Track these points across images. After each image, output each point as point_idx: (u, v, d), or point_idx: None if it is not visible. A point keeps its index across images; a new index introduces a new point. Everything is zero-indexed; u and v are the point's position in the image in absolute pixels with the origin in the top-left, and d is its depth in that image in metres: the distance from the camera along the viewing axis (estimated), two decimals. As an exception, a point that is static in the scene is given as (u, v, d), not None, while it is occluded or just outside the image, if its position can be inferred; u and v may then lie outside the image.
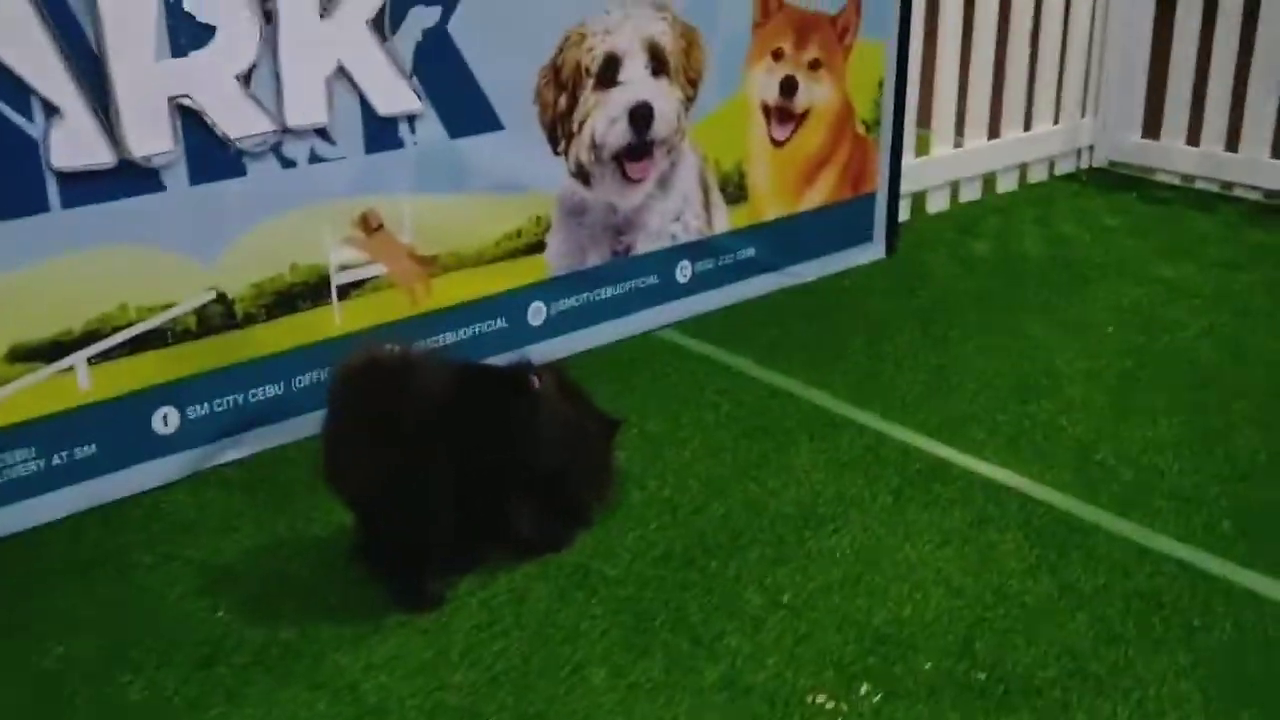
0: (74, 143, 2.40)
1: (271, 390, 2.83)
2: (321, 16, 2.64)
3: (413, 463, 2.14)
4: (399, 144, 2.86)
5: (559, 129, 3.13)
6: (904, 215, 4.33)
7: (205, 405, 2.74)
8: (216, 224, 2.64)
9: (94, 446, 2.60)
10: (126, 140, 2.46)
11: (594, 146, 3.18)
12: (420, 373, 2.21)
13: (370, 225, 2.87)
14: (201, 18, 2.49)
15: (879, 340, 3.44)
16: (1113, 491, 2.64)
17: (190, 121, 2.54)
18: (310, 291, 2.82)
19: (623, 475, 2.65)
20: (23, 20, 2.28)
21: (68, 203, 2.43)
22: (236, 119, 2.59)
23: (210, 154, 2.58)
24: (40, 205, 2.39)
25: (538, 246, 3.18)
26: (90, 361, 2.54)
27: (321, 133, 2.73)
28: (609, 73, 3.15)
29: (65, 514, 2.57)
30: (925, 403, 3.05)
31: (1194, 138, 4.72)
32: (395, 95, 2.80)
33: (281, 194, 2.71)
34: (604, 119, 3.17)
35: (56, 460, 2.55)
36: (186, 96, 2.51)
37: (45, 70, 2.33)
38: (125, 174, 2.47)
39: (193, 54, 2.50)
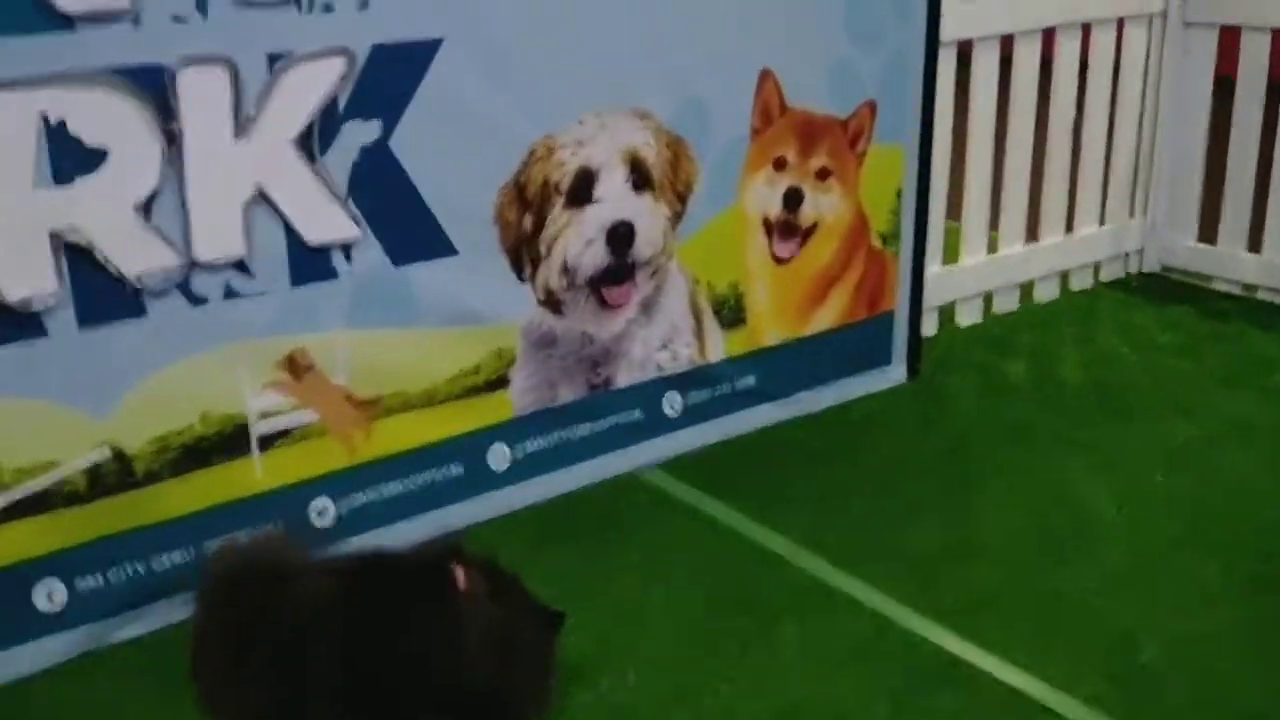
0: (-69, 286, 2.08)
1: (179, 556, 2.47)
2: (236, 137, 2.31)
3: (292, 691, 1.76)
4: (331, 274, 2.51)
5: (524, 253, 2.78)
6: (931, 328, 3.93)
7: (98, 576, 2.38)
8: (111, 371, 2.30)
9: (-34, 619, 2.26)
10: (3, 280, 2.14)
11: (566, 271, 2.82)
12: (304, 573, 1.84)
13: (298, 367, 2.52)
14: (90, 141, 2.17)
15: (891, 484, 3.03)
16: (1157, 712, 2.19)
17: (78, 258, 2.21)
18: (225, 443, 2.47)
19: (570, 669, 2.25)
20: None
21: (-75, 351, 2.11)
22: (134, 254, 2.26)
23: (102, 294, 2.24)
24: (-109, 358, 2.07)
25: (500, 383, 2.82)
26: (-43, 531, 2.21)
27: (239, 266, 2.39)
28: (583, 189, 2.79)
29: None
30: (939, 571, 2.63)
31: (1255, 243, 4.28)
32: (327, 221, 2.47)
33: (189, 335, 2.37)
34: (578, 240, 2.81)
35: (-85, 645, 2.21)
36: (73, 230, 2.19)
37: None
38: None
39: (79, 181, 2.18)
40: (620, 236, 2.87)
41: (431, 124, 2.54)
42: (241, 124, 2.31)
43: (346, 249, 2.52)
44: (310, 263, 2.47)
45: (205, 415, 2.43)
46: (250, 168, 2.35)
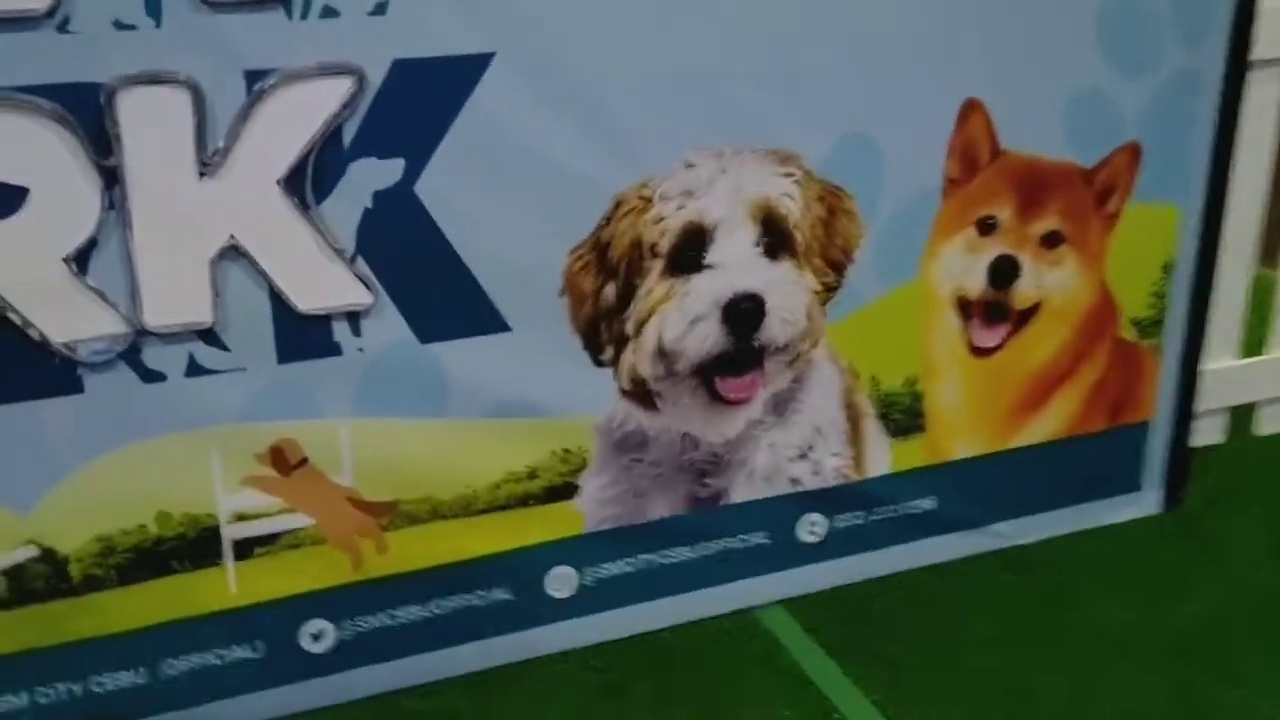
0: None
1: (128, 678, 2.03)
2: (201, 175, 1.80)
3: None
4: (333, 350, 1.97)
5: (603, 331, 2.14)
6: (1215, 435, 2.98)
7: (22, 695, 1.98)
8: (36, 457, 1.86)
9: None
10: (-115, 344, 1.74)
11: (663, 355, 2.16)
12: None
13: (287, 461, 2.01)
14: (2, 176, 1.72)
15: (1089, 681, 2.19)
16: None
17: (-12, 320, 1.78)
18: (189, 548, 1.99)
19: None
20: None
21: None
22: (63, 317, 1.80)
23: (23, 364, 1.80)
24: None
25: (565, 491, 2.20)
26: None
27: (206, 335, 1.89)
28: (691, 252, 2.11)
29: None
30: None
31: None
32: (325, 283, 1.92)
33: (141, 418, 1.90)
34: (681, 317, 2.13)
35: None
36: (-20, 284, 1.76)
37: None
38: (-115, 390, 1.75)
39: (-8, 225, 1.74)
40: (743, 314, 2.17)
41: (475, 164, 1.94)
42: (208, 159, 1.80)
43: (353, 319, 1.97)
44: (303, 335, 1.95)
45: (162, 514, 1.96)
46: (220, 214, 1.84)
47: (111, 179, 1.76)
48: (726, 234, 2.13)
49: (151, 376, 1.88)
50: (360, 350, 1.99)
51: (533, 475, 2.17)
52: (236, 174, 1.82)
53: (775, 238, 2.17)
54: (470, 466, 2.12)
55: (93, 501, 1.91)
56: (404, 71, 1.86)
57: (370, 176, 1.90)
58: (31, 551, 1.90)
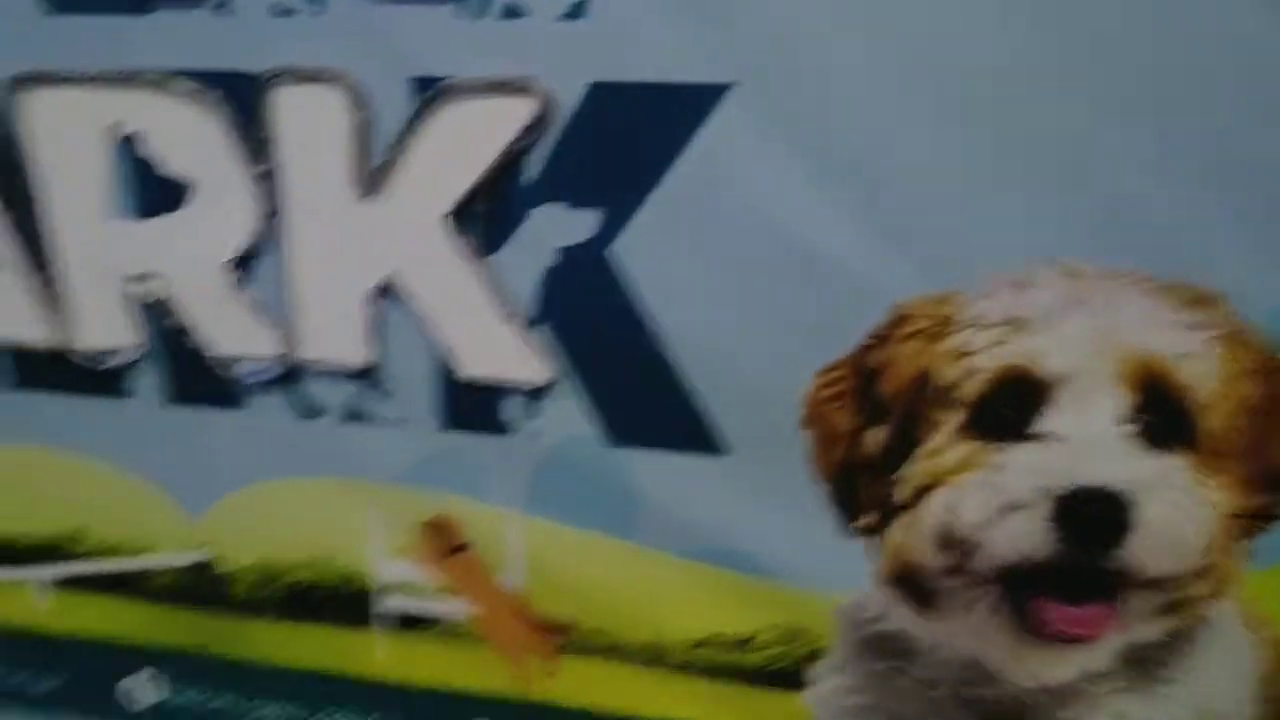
0: (11, 311, 1.70)
1: (278, 712, 1.87)
2: (360, 194, 1.50)
3: None
4: (501, 428, 1.58)
5: (861, 487, 1.49)
6: None
7: (195, 690, 1.90)
8: (208, 465, 1.73)
9: (61, 681, 1.96)
10: (72, 320, 1.68)
11: (952, 543, 1.44)
12: None
13: (446, 540, 1.68)
14: (170, 166, 1.56)
15: None
16: None
17: (160, 315, 1.65)
18: (342, 604, 1.76)
19: None
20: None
21: (18, 383, 1.75)
22: (224, 326, 1.63)
23: (191, 367, 1.66)
24: (-20, 374, 1.76)
25: (789, 678, 1.61)
26: (51, 585, 1.88)
27: (363, 378, 1.61)
28: (1013, 409, 1.36)
29: (21, 744, 2.00)
30: None
31: None
32: (495, 349, 1.53)
33: (298, 452, 1.68)
34: (986, 498, 1.40)
35: (16, 679, 1.97)
36: (151, 278, 1.63)
37: (-28, 207, 1.65)
38: (74, 366, 1.70)
39: (160, 219, 1.59)
40: (1089, 518, 1.38)
41: (693, 229, 1.41)
42: (369, 177, 1.49)
43: (528, 397, 1.56)
44: (468, 402, 1.58)
45: (318, 559, 1.75)
46: (379, 243, 1.52)
47: (268, 185, 1.52)
48: (1076, 395, 1.35)
49: (310, 411, 1.65)
50: (534, 436, 1.58)
51: (745, 645, 1.62)
52: (399, 199, 1.49)
53: (1163, 417, 1.33)
54: (663, 612, 1.63)
55: (254, 525, 1.75)
56: (604, 98, 1.38)
57: (555, 228, 1.46)
58: (201, 556, 1.79)
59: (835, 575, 1.54)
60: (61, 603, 1.88)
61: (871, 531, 1.50)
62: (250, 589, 1.79)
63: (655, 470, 1.54)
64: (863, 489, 1.50)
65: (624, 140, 1.40)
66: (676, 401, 1.50)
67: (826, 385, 1.46)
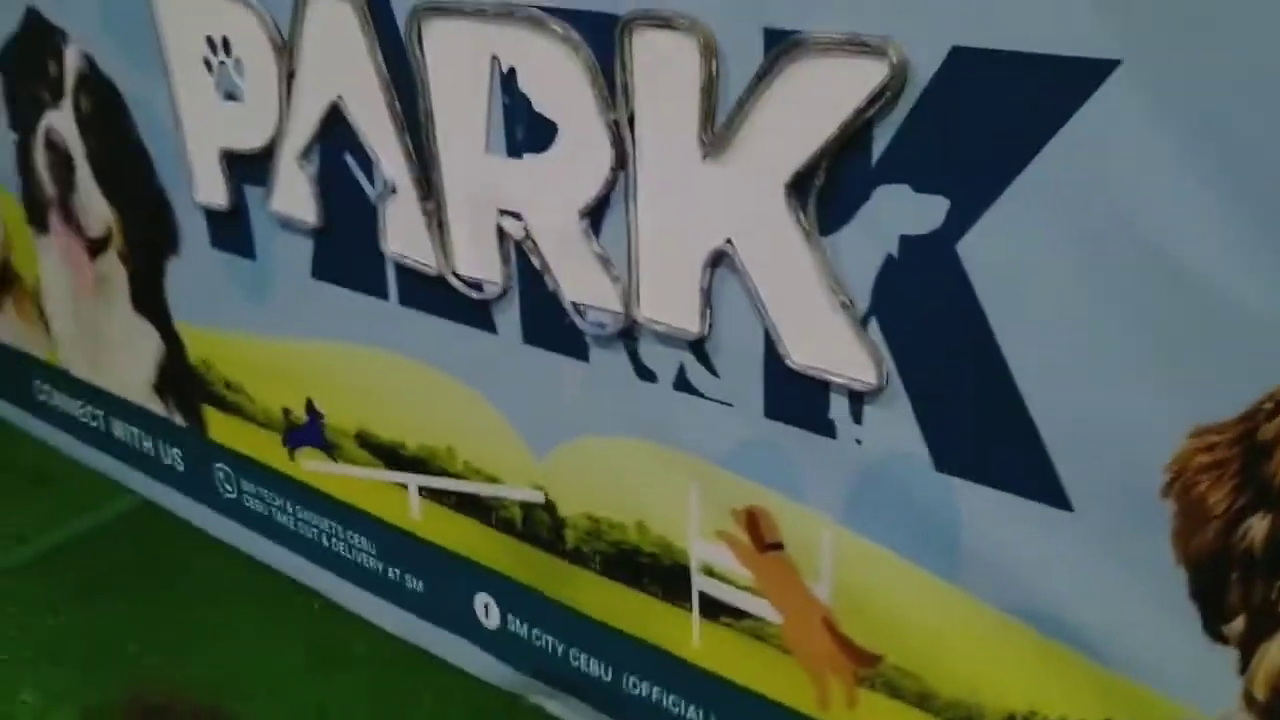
0: (404, 231, 1.77)
1: (596, 666, 1.84)
2: (704, 154, 1.38)
3: None
4: (825, 428, 1.42)
5: (1232, 584, 1.17)
6: None
7: (525, 626, 1.93)
8: (552, 409, 1.72)
9: (422, 584, 2.07)
10: (452, 247, 1.72)
11: (1353, 681, 1.12)
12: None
13: (760, 535, 1.54)
14: (539, 107, 1.53)
15: None
16: None
17: (522, 253, 1.64)
18: (662, 575, 1.69)
19: None
20: (363, 74, 1.69)
21: (404, 299, 1.84)
22: (575, 273, 1.59)
23: (546, 311, 1.65)
24: (379, 289, 1.86)
25: (1123, 784, 1.32)
26: (421, 493, 1.98)
27: (696, 349, 1.51)
28: None
29: (392, 630, 2.15)
30: None
31: None
32: (824, 339, 1.36)
33: (632, 412, 1.62)
34: None
35: (391, 573, 2.11)
36: (516, 215, 1.62)
37: (382, 133, 1.73)
38: (452, 292, 1.75)
39: (528, 157, 1.57)
40: None
41: (1058, 235, 1.16)
42: (713, 136, 1.37)
43: (855, 400, 1.38)
44: (793, 393, 1.43)
45: (642, 524, 1.68)
46: (718, 208, 1.40)
47: (618, 135, 1.45)
48: None
49: (645, 373, 1.58)
50: (858, 443, 1.40)
51: (1073, 733, 1.35)
52: (740, 162, 1.36)
53: None
54: (981, 671, 1.39)
55: (587, 476, 1.72)
56: (967, 66, 1.16)
57: (899, 212, 1.26)
58: (539, 497, 1.80)
59: (1189, 682, 1.25)
60: (429, 512, 1.98)
61: (1241, 644, 1.21)
62: (579, 539, 1.77)
63: (984, 509, 1.31)
64: (1235, 586, 1.20)
65: (985, 118, 1.17)
66: (1016, 435, 1.26)
67: (1202, 450, 1.17)
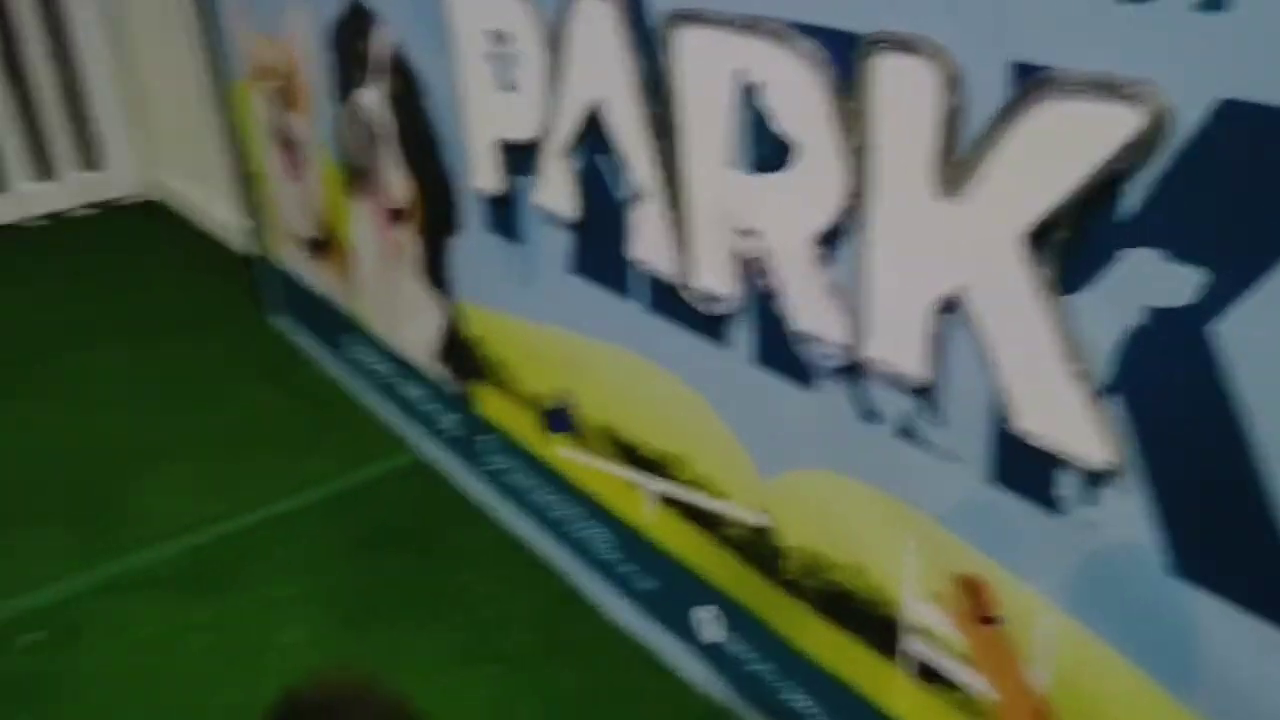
0: (649, 237, 1.74)
1: (804, 703, 1.76)
2: (941, 192, 1.26)
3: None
4: (1051, 503, 1.27)
5: None
6: None
7: (740, 646, 1.87)
8: (778, 432, 1.64)
9: (651, 584, 2.06)
10: (691, 258, 1.67)
11: None
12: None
13: (979, 604, 1.41)
14: (780, 124, 1.44)
15: None
16: None
17: (753, 271, 1.57)
18: (876, 625, 1.58)
19: None
20: (620, 76, 1.66)
21: (648, 304, 1.81)
22: (805, 300, 1.50)
23: (772, 331, 1.57)
24: (626, 290, 1.84)
25: None
26: (655, 496, 1.96)
27: (921, 397, 1.39)
28: None
29: (622, 623, 2.15)
30: None
31: None
32: (1055, 408, 1.21)
33: (854, 451, 1.51)
34: None
35: (625, 568, 2.11)
36: (751, 233, 1.55)
37: (633, 138, 1.70)
38: (690, 303, 1.70)
39: (766, 176, 1.49)
40: None
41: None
42: (950, 173, 1.24)
43: (1086, 478, 1.22)
44: (1020, 459, 1.28)
45: (860, 568, 1.58)
46: (951, 251, 1.27)
47: (855, 162, 1.35)
48: None
49: (868, 414, 1.47)
50: (1087, 527, 1.24)
51: None
52: (977, 204, 1.23)
53: None
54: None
55: (810, 508, 1.64)
56: (1237, 121, 0.99)
57: (1148, 280, 1.10)
58: (764, 520, 1.73)
59: None
60: (662, 516, 1.96)
61: None
62: (798, 571, 1.69)
63: (1227, 628, 1.14)
64: None
65: (1257, 180, 0.99)
66: (1269, 552, 1.07)
67: None
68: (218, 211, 3.88)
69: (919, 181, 1.27)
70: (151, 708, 2.05)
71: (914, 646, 1.53)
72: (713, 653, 1.95)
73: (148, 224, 4.28)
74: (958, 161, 1.23)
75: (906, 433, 1.43)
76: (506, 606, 2.24)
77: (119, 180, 4.45)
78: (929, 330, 1.33)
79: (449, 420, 2.57)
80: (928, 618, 1.50)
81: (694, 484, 1.85)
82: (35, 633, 2.23)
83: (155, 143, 4.40)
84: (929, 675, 1.53)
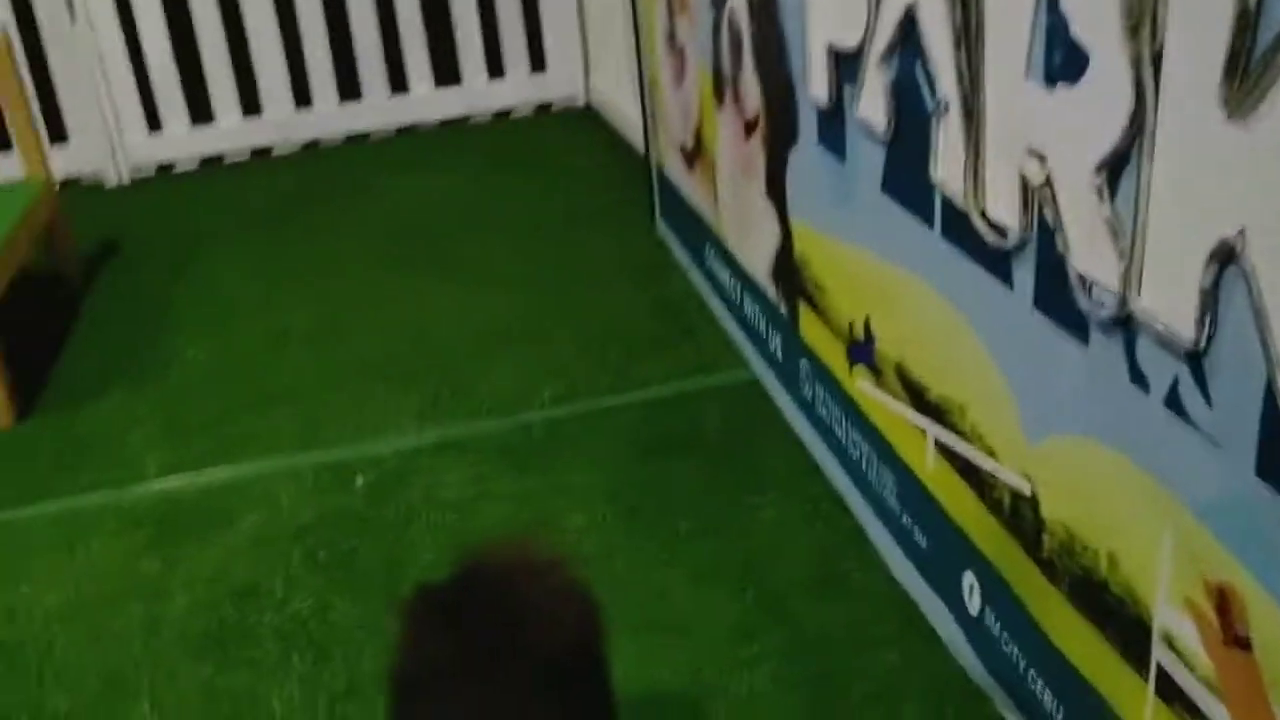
0: (948, 158, 1.57)
1: (1050, 702, 1.55)
2: (1228, 114, 1.02)
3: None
4: (1316, 513, 1.01)
5: None
6: None
7: (998, 625, 1.68)
8: (1048, 389, 1.44)
9: (926, 541, 1.90)
10: (984, 183, 1.49)
11: None
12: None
13: (1229, 622, 1.16)
14: (1076, 28, 1.23)
15: None
16: None
17: (1037, 204, 1.37)
18: (1124, 626, 1.36)
19: None
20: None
21: (945, 230, 1.64)
22: (1084, 237, 1.29)
23: (1056, 274, 1.36)
24: (926, 213, 1.68)
25: None
26: (935, 445, 1.80)
27: (1192, 362, 1.15)
28: None
29: (895, 574, 2.01)
30: None
31: None
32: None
33: (1118, 419, 1.29)
34: None
35: (905, 519, 1.96)
36: (1039, 157, 1.34)
37: (941, 45, 1.53)
38: (980, 235, 1.52)
39: (1060, 89, 1.29)
40: None
41: None
42: (1236, 88, 1.00)
43: (1363, 487, 0.96)
44: (1286, 454, 1.03)
45: (1114, 558, 1.36)
46: (1233, 184, 1.03)
47: (1139, 76, 1.13)
48: None
49: (1138, 377, 1.25)
50: (1355, 547, 0.98)
51: None
52: (1268, 131, 0.99)
53: None
54: None
55: (1072, 480, 1.43)
56: None
57: None
58: (1026, 487, 1.53)
59: None
60: (940, 468, 1.79)
61: None
62: (1054, 549, 1.49)
63: None
64: None
65: None
66: None
67: None
68: (638, 119, 4.00)
69: (1206, 99, 1.04)
70: (440, 561, 2.17)
71: (1161, 659, 1.31)
72: (976, 626, 1.78)
73: (579, 129, 4.48)
74: (1246, 73, 0.99)
75: (1174, 403, 1.20)
76: (786, 534, 2.16)
77: (560, 84, 4.70)
78: (1202, 283, 1.10)
79: (776, 341, 2.50)
80: (1177, 628, 1.26)
81: (969, 437, 1.68)
82: (367, 475, 2.44)
83: (596, 49, 4.59)
84: (1174, 697, 1.30)
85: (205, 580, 2.19)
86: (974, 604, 1.76)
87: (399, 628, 1.37)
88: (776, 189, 2.35)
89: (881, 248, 1.88)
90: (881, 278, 1.90)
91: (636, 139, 4.06)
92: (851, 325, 2.06)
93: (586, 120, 4.55)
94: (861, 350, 2.04)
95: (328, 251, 3.59)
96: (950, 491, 1.77)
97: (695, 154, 2.92)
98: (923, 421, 1.83)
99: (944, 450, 1.77)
